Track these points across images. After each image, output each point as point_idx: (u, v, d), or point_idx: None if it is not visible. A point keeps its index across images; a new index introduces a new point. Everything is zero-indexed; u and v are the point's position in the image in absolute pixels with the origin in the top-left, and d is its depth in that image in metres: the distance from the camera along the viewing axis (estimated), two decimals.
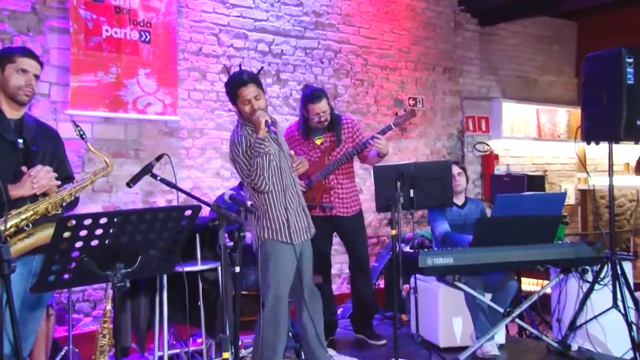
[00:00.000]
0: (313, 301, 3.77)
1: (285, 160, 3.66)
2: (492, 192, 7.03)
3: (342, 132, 4.61)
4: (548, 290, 4.72)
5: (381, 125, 6.86)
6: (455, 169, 4.74)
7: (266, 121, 3.47)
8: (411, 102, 7.20)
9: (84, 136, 3.13)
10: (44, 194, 3.01)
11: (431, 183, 4.28)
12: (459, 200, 4.82)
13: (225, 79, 5.87)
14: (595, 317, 4.28)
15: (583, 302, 4.29)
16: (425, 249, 4.17)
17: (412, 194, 4.14)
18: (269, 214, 3.64)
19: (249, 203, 3.42)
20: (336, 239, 4.87)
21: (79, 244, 2.38)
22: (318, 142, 4.60)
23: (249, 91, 3.56)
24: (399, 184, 3.99)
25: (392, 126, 4.66)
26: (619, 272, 4.17)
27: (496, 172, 7.60)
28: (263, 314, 3.63)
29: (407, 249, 5.68)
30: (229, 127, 5.81)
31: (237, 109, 3.65)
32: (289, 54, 6.27)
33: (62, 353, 4.02)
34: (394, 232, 3.95)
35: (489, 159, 7.78)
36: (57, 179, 3.05)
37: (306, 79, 6.35)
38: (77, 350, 4.09)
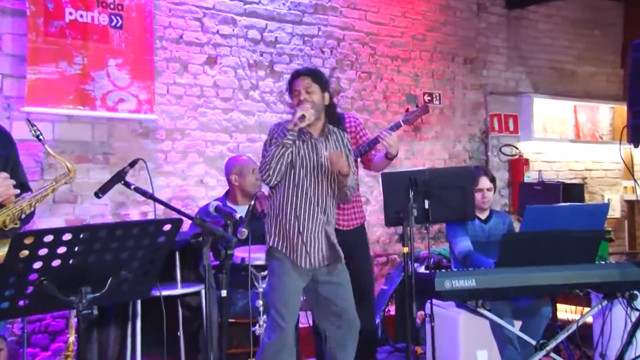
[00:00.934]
0: (344, 334, 3.79)
1: (321, 174, 3.72)
2: (521, 203, 7.01)
3: (346, 131, 4.62)
4: (589, 320, 4.71)
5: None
6: (485, 183, 4.75)
7: (302, 116, 3.59)
8: (426, 98, 7.21)
9: (41, 137, 3.11)
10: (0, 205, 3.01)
11: (450, 192, 4.28)
12: (482, 214, 4.82)
13: (211, 70, 5.97)
14: None
15: (632, 334, 4.26)
16: (443, 270, 4.16)
17: (427, 205, 4.13)
18: (279, 219, 3.73)
19: (237, 215, 3.43)
20: None
21: (37, 265, 2.37)
22: None
23: (302, 83, 3.80)
24: (411, 193, 3.99)
25: (402, 123, 4.68)
26: None
27: (526, 180, 7.60)
28: (262, 340, 3.67)
29: (422, 269, 5.67)
30: (214, 128, 5.83)
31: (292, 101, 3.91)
32: (284, 42, 6.29)
33: None
34: (406, 249, 3.95)
35: (517, 165, 7.79)
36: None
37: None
38: None
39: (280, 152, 3.61)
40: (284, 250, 3.70)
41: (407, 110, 4.83)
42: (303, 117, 3.61)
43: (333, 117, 4.58)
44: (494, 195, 4.94)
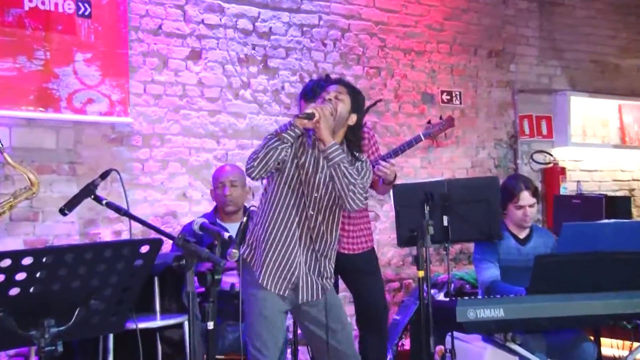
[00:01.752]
0: None
1: (314, 192, 3.70)
2: (556, 220, 7.01)
3: None
4: (639, 356, 4.70)
5: (403, 130, 6.93)
6: (527, 199, 4.69)
7: (312, 113, 3.56)
8: (445, 97, 7.23)
9: None
10: None
11: (472, 207, 4.29)
12: (521, 232, 4.78)
13: (195, 66, 5.97)
14: None
15: None
16: (466, 297, 4.16)
17: (445, 222, 4.14)
18: (256, 229, 3.73)
19: (226, 235, 3.43)
20: (342, 284, 4.87)
21: None
22: None
23: (335, 88, 3.81)
24: (427, 208, 4.00)
25: (422, 137, 4.68)
26: None
27: (562, 192, 7.60)
28: None
29: (441, 296, 5.65)
30: (199, 132, 5.84)
31: None
32: (279, 34, 6.31)
33: None
34: (421, 273, 3.95)
35: (552, 174, 7.79)
36: None
37: (303, 66, 6.39)
38: None
39: (274, 144, 3.56)
40: (253, 267, 3.69)
41: (429, 122, 4.84)
42: (312, 115, 3.57)
43: (355, 144, 4.61)
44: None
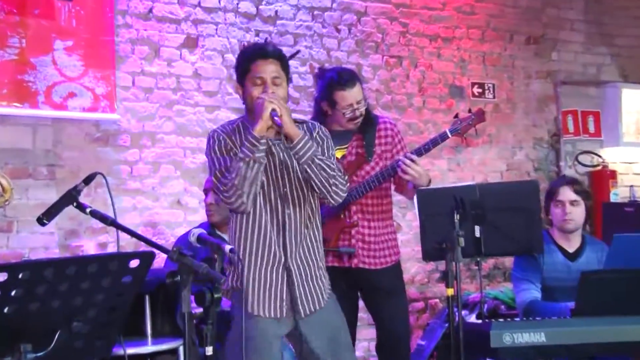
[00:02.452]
0: None
1: (298, 188, 3.68)
2: (606, 230, 6.98)
3: (376, 141, 4.63)
4: None
5: (428, 128, 6.93)
6: (568, 194, 4.68)
7: (273, 111, 3.51)
8: (476, 90, 7.23)
9: None
10: None
11: (508, 216, 4.27)
12: (570, 244, 4.77)
13: (191, 56, 6.00)
14: None
15: None
16: (501, 320, 4.15)
17: (478, 233, 4.13)
18: (245, 258, 3.68)
19: (227, 247, 3.44)
20: (361, 303, 4.87)
21: None
22: (338, 154, 4.61)
23: (268, 68, 3.64)
24: (457, 217, 4.00)
25: (449, 134, 4.66)
26: None
27: (612, 199, 7.58)
28: None
29: (472, 318, 5.65)
30: (195, 131, 5.86)
31: (243, 94, 3.72)
32: (287, 18, 6.33)
33: None
34: (450, 292, 3.94)
35: (600, 178, 7.78)
36: None
37: (314, 55, 6.40)
38: None
39: (254, 171, 3.49)
40: (242, 297, 3.65)
41: (456, 116, 4.84)
42: (275, 112, 3.48)
43: (368, 119, 4.61)
44: (587, 219, 4.80)
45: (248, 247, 3.65)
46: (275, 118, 3.46)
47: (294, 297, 3.67)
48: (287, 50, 6.13)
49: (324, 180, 3.56)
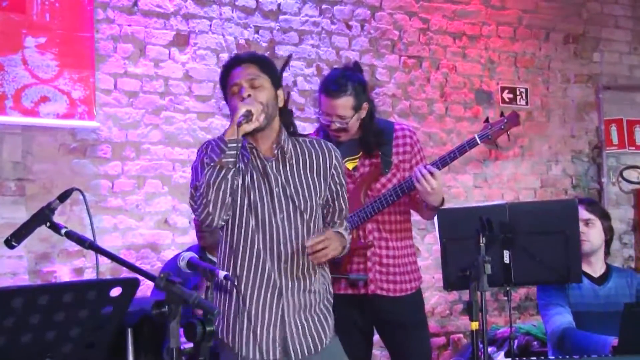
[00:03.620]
0: None
1: (279, 215, 3.70)
2: None
3: (394, 150, 4.63)
4: None
5: (451, 138, 6.93)
6: (581, 213, 4.72)
7: (247, 112, 3.54)
8: (506, 95, 7.23)
9: None
10: None
11: (543, 240, 4.27)
12: (593, 269, 4.81)
13: (181, 55, 6.01)
14: None
15: None
16: (534, 358, 4.14)
17: (507, 259, 4.13)
18: (222, 285, 3.71)
19: (221, 274, 3.44)
20: (375, 337, 4.86)
21: None
22: (350, 166, 4.62)
23: (243, 73, 3.71)
24: (483, 240, 4.00)
25: (478, 140, 4.65)
26: None
27: None
28: None
29: (501, 356, 5.64)
30: (185, 141, 5.87)
31: (229, 108, 3.81)
32: (291, 13, 6.35)
33: None
34: (475, 325, 3.94)
35: None
36: None
37: (321, 55, 6.41)
38: None
39: (220, 176, 3.52)
40: (224, 336, 3.68)
41: (486, 120, 4.83)
42: (249, 113, 3.54)
43: (369, 133, 4.60)
44: (612, 244, 4.88)
45: (244, 279, 3.66)
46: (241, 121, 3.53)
47: (285, 337, 3.68)
48: (291, 50, 6.21)
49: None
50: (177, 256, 3.87)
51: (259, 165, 3.69)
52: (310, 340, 3.71)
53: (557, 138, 7.52)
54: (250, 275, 3.65)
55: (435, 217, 4.44)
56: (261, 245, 3.65)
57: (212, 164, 3.53)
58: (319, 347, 3.72)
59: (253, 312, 3.64)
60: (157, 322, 3.18)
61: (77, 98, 5.42)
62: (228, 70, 3.76)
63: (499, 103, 7.16)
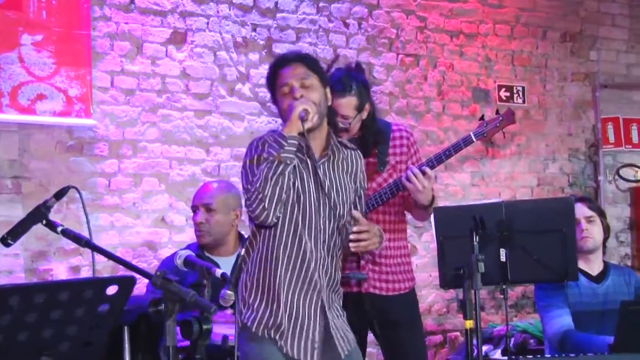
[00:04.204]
0: None
1: (324, 214, 3.71)
2: None
3: (390, 150, 4.63)
4: None
5: (449, 136, 6.92)
6: (582, 210, 4.75)
7: (304, 111, 3.57)
8: (503, 93, 7.23)
9: None
10: None
11: (539, 238, 4.27)
12: (591, 267, 4.81)
13: (178, 53, 6.00)
14: None
15: None
16: (530, 356, 4.13)
17: (503, 257, 4.13)
18: (259, 282, 3.70)
19: (218, 272, 3.44)
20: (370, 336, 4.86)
21: None
22: None
23: (293, 73, 3.73)
24: (476, 238, 4.00)
25: (473, 138, 4.66)
26: None
27: None
28: None
29: (498, 354, 5.64)
30: (183, 139, 5.86)
31: (279, 110, 3.83)
32: (288, 11, 6.34)
33: None
34: (469, 324, 3.94)
35: None
36: None
37: (318, 53, 6.40)
38: None
39: (278, 171, 3.54)
40: (263, 329, 3.68)
41: (481, 118, 4.83)
42: (306, 112, 3.58)
43: (369, 134, 4.61)
44: (608, 242, 4.89)
45: (281, 281, 3.69)
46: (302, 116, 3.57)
47: (329, 337, 3.72)
48: (288, 48, 6.19)
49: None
50: (173, 254, 3.87)
51: (309, 165, 3.71)
52: (346, 339, 3.78)
53: (554, 136, 7.52)
54: (294, 274, 3.68)
55: (432, 216, 4.44)
56: (307, 247, 3.68)
57: (270, 159, 3.55)
58: (352, 345, 3.79)
59: (295, 312, 3.68)
60: (154, 320, 3.19)
61: (74, 96, 5.41)
62: (275, 70, 3.78)
63: (496, 101, 7.16)
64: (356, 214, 3.70)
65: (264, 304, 3.70)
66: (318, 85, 3.74)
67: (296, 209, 3.66)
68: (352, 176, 3.82)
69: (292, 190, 3.62)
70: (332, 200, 3.69)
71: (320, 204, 3.70)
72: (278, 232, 3.68)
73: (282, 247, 3.68)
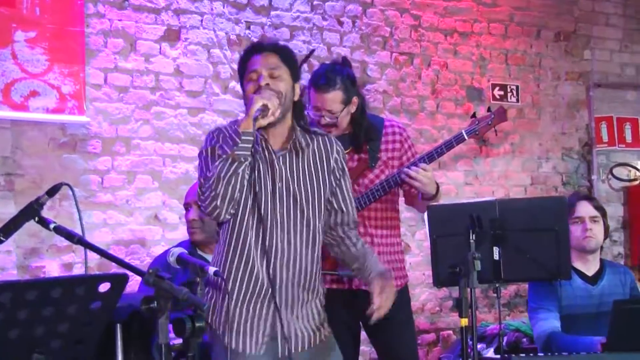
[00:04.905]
0: None
1: (283, 214, 3.68)
2: None
3: (382, 147, 4.63)
4: None
5: (442, 134, 6.93)
6: (587, 209, 4.75)
7: (263, 106, 3.52)
8: (497, 92, 7.24)
9: None
10: None
11: (533, 237, 4.27)
12: (588, 267, 4.81)
13: (172, 50, 6.00)
14: None
15: None
16: (523, 355, 4.13)
17: (497, 256, 4.13)
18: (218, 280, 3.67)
19: (211, 270, 3.43)
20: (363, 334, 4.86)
21: None
22: None
23: (264, 61, 3.69)
24: (472, 237, 4.00)
25: (465, 136, 4.66)
26: None
27: None
28: None
29: (491, 353, 5.65)
30: (176, 136, 5.86)
31: (244, 97, 3.78)
32: (282, 8, 6.35)
33: None
34: (464, 322, 3.94)
35: (638, 194, 7.78)
36: None
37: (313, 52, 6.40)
38: None
39: (232, 169, 3.48)
40: (218, 328, 3.66)
41: (473, 116, 4.84)
42: (265, 108, 3.51)
43: (360, 129, 4.61)
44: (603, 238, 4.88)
45: (231, 272, 3.64)
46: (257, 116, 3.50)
47: (275, 332, 3.66)
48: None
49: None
50: (166, 252, 3.87)
51: (267, 158, 3.64)
52: (304, 335, 3.71)
53: (548, 135, 7.53)
54: (240, 268, 3.63)
55: (426, 214, 4.44)
56: (253, 241, 3.61)
57: (224, 156, 3.49)
58: (313, 342, 3.72)
59: (245, 307, 3.63)
60: (146, 318, 3.19)
61: (67, 93, 5.42)
62: (248, 56, 3.73)
63: (490, 100, 7.16)
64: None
65: (219, 300, 3.68)
66: (287, 78, 3.68)
67: (250, 203, 3.60)
68: (326, 162, 3.75)
69: (247, 187, 3.56)
70: (293, 192, 3.64)
71: (277, 197, 3.63)
72: (234, 227, 3.63)
73: (232, 240, 3.64)
